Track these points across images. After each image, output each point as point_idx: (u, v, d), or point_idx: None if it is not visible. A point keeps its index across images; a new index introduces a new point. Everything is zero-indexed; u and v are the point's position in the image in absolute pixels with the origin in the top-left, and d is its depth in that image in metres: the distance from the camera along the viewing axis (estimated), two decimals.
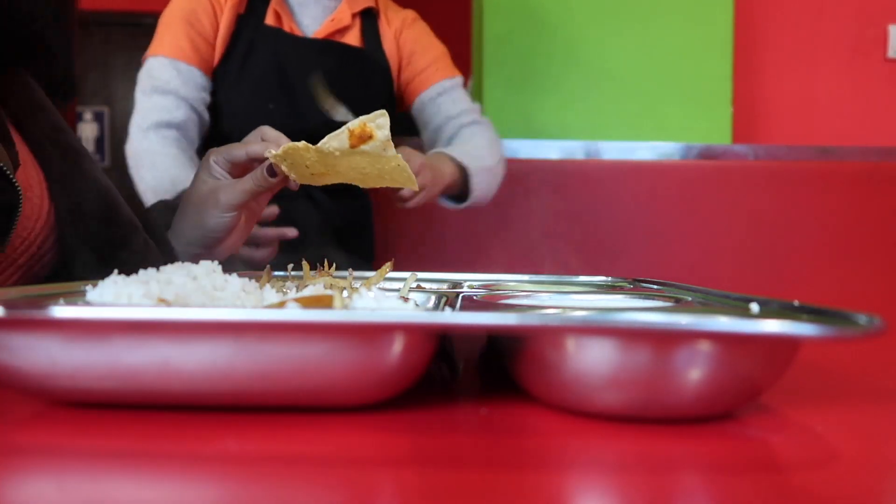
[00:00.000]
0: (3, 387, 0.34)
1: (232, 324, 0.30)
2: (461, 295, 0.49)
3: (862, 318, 0.30)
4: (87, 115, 4.60)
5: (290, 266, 0.61)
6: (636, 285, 0.62)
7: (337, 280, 0.49)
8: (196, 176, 0.68)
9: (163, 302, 0.35)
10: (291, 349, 0.31)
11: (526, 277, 0.67)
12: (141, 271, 0.39)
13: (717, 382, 0.31)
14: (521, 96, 1.82)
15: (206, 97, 1.27)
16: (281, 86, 1.27)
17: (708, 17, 1.83)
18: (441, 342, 0.36)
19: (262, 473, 0.26)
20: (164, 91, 1.23)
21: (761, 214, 1.65)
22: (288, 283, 0.49)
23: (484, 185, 1.28)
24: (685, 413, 0.32)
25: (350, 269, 0.56)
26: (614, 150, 1.69)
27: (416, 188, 0.59)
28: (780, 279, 1.63)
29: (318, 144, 0.56)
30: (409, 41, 1.36)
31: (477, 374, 0.44)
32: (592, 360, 0.31)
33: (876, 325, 0.29)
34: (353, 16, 1.33)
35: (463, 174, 1.25)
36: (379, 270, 0.50)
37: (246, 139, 0.68)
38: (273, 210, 0.94)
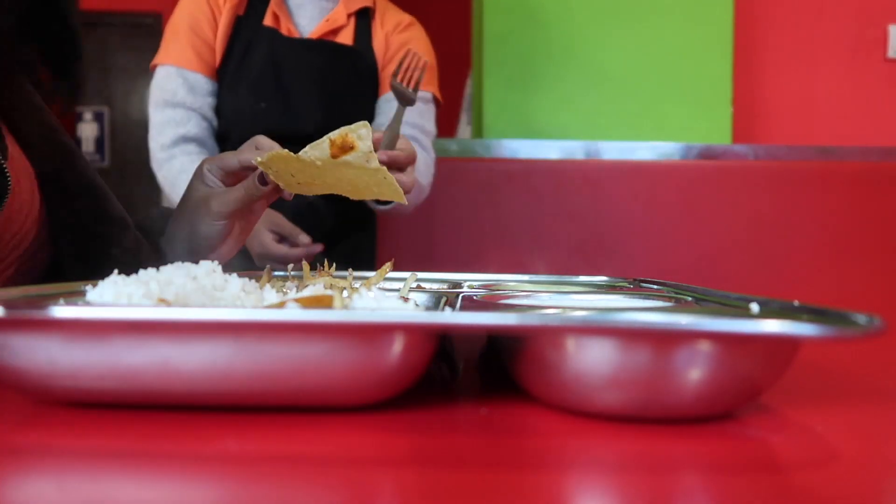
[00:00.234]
0: (3, 387, 0.34)
1: (232, 324, 0.30)
2: (461, 295, 0.49)
3: (862, 318, 0.30)
4: (87, 115, 4.60)
5: (290, 266, 0.61)
6: (636, 285, 0.62)
7: (337, 280, 0.49)
8: (190, 184, 0.69)
9: (163, 302, 0.35)
10: (291, 349, 0.31)
11: (526, 277, 0.67)
12: (141, 271, 0.39)
13: (717, 382, 0.31)
14: (521, 96, 1.82)
15: (214, 101, 1.29)
16: (275, 86, 1.28)
17: (708, 17, 1.83)
18: (441, 342, 0.36)
19: (262, 473, 0.26)
20: (174, 104, 1.27)
21: (761, 214, 1.65)
22: (288, 283, 0.49)
23: (413, 196, 1.23)
24: (685, 413, 0.32)
25: (350, 269, 0.56)
26: (614, 150, 1.69)
27: (405, 202, 0.60)
28: (780, 279, 1.63)
29: (300, 153, 0.56)
30: (396, 43, 1.36)
31: (477, 374, 0.44)
32: (592, 360, 0.31)
33: (876, 325, 0.29)
34: (349, 16, 1.34)
35: None
36: (379, 270, 0.50)
37: (240, 148, 0.69)
38: (316, 249, 0.97)
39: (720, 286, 0.46)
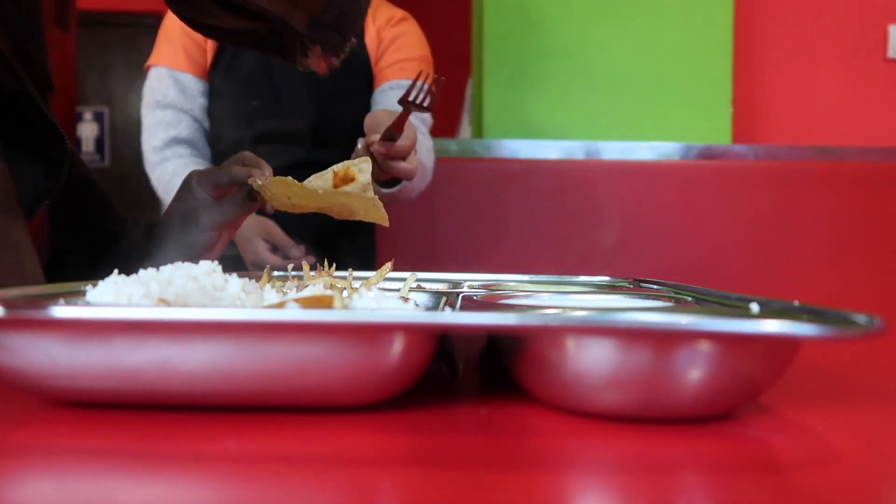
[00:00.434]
0: (3, 387, 0.34)
1: (232, 324, 0.30)
2: (461, 295, 0.49)
3: (862, 318, 0.30)
4: (87, 115, 4.60)
5: (290, 266, 0.61)
6: (636, 285, 0.62)
7: (337, 280, 0.49)
8: (177, 195, 0.70)
9: (163, 302, 0.35)
10: (291, 349, 0.31)
11: (526, 277, 0.67)
12: (141, 271, 0.39)
13: (717, 382, 0.31)
14: (521, 96, 1.82)
15: (205, 102, 1.30)
16: (267, 85, 1.29)
17: (708, 17, 1.83)
18: (441, 342, 0.36)
19: (262, 473, 0.26)
20: (164, 105, 1.28)
21: (761, 214, 1.65)
22: (288, 283, 0.49)
23: (417, 180, 1.23)
24: (685, 413, 0.32)
25: (350, 269, 0.56)
26: (614, 150, 1.69)
27: (387, 224, 0.62)
28: (780, 279, 1.63)
29: (304, 182, 0.60)
30: (388, 38, 1.36)
31: (477, 374, 0.44)
32: (592, 360, 0.31)
33: (876, 325, 0.29)
34: None
35: None
36: (379, 270, 0.50)
37: (227, 163, 0.71)
38: (309, 260, 1.02)
39: (720, 286, 0.46)
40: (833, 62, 2.09)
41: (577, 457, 0.29)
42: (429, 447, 0.29)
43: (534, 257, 1.61)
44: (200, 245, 0.68)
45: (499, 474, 0.26)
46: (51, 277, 0.62)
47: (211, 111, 1.30)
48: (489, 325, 0.32)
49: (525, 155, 1.68)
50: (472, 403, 0.36)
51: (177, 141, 1.27)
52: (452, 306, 0.43)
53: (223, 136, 1.29)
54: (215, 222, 0.69)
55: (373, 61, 1.35)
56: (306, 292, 0.38)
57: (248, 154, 0.70)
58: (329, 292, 0.36)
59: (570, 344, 0.31)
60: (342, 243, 1.30)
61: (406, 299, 0.40)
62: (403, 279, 0.50)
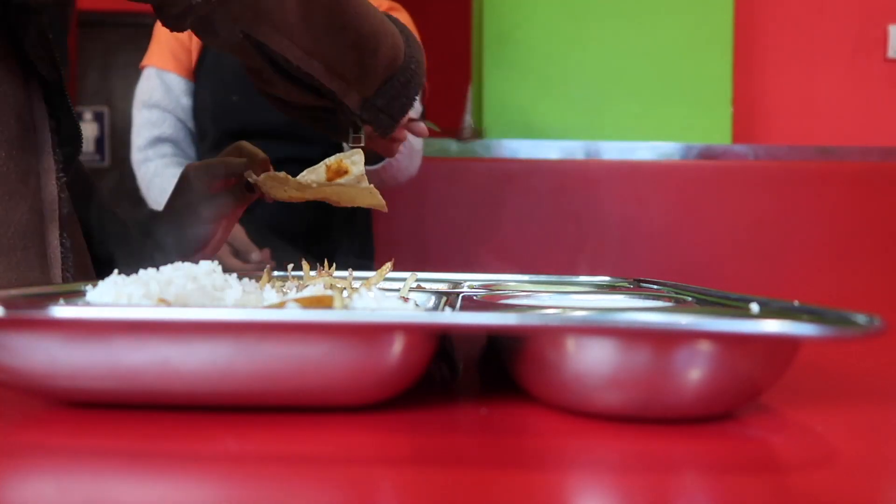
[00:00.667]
0: (3, 387, 0.34)
1: (232, 324, 0.30)
2: (461, 295, 0.49)
3: (862, 318, 0.30)
4: (87, 115, 4.60)
5: (290, 266, 0.61)
6: (636, 285, 0.62)
7: (337, 280, 0.49)
8: (175, 189, 0.71)
9: (163, 302, 0.35)
10: (291, 349, 0.31)
11: (526, 277, 0.67)
12: (141, 271, 0.39)
13: (717, 382, 0.31)
14: (521, 96, 1.82)
15: (190, 101, 1.34)
16: (245, 79, 1.30)
17: (708, 17, 1.83)
18: (441, 342, 0.36)
19: (262, 473, 0.26)
20: (150, 105, 1.32)
21: (761, 214, 1.65)
22: (288, 283, 0.49)
23: (405, 159, 1.25)
24: (685, 413, 0.32)
25: (350, 269, 0.56)
26: (614, 150, 1.69)
27: (385, 209, 0.63)
28: (780, 279, 1.63)
29: (297, 177, 0.61)
30: None
31: (477, 374, 0.44)
32: (592, 360, 0.31)
33: (876, 325, 0.29)
34: None
35: None
36: (379, 270, 0.50)
37: (224, 153, 0.71)
38: (267, 264, 1.01)
39: (720, 286, 0.46)
40: (833, 62, 2.10)
41: (577, 457, 0.29)
42: (429, 447, 0.29)
43: (534, 257, 1.61)
44: (200, 238, 0.69)
45: (499, 474, 0.26)
46: None
47: (195, 110, 1.32)
48: (489, 325, 0.32)
49: (525, 155, 1.68)
50: (472, 403, 0.36)
51: (160, 140, 1.30)
52: (452, 306, 0.43)
53: (207, 133, 1.31)
54: (214, 215, 0.69)
55: None
56: (306, 292, 0.38)
57: (244, 144, 0.71)
58: (329, 292, 0.36)
59: (570, 344, 0.31)
60: (338, 242, 1.31)
61: (406, 299, 0.40)
62: (403, 279, 0.50)
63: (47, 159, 0.58)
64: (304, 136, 1.28)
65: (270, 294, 0.40)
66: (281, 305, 0.33)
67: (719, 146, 1.72)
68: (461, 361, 0.45)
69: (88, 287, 0.37)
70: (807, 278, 1.64)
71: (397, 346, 0.31)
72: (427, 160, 1.40)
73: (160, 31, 1.33)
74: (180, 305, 0.35)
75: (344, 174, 0.60)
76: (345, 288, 0.44)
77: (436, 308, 0.43)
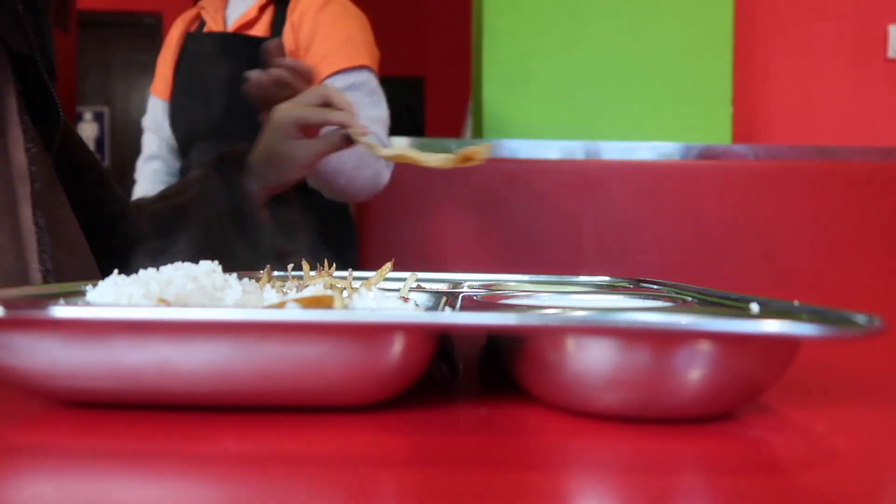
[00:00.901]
0: (3, 387, 0.34)
1: (232, 324, 0.30)
2: (461, 295, 0.49)
3: (862, 318, 0.30)
4: (87, 115, 4.60)
5: (290, 266, 0.61)
6: (636, 285, 0.62)
7: (337, 280, 0.49)
8: (267, 135, 0.74)
9: (163, 302, 0.35)
10: (291, 349, 0.31)
11: (526, 277, 0.67)
12: (141, 271, 0.39)
13: (717, 382, 0.31)
14: (521, 96, 1.82)
15: (168, 120, 1.47)
16: (198, 85, 1.40)
17: (708, 17, 1.83)
18: (441, 342, 0.36)
19: (262, 473, 0.26)
20: (146, 127, 1.49)
21: (761, 214, 1.65)
22: (288, 283, 0.49)
23: (357, 167, 1.21)
24: (685, 413, 0.32)
25: (350, 269, 0.56)
26: (614, 150, 1.69)
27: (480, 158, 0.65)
28: (780, 279, 1.63)
29: (421, 159, 0.66)
30: (307, 28, 1.31)
31: (477, 374, 0.44)
32: (592, 360, 0.31)
33: (876, 325, 0.29)
34: (261, 8, 1.36)
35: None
36: (379, 270, 0.50)
37: (308, 99, 0.75)
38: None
39: (720, 286, 0.46)
40: (833, 62, 2.10)
41: (577, 457, 0.29)
42: (429, 447, 0.29)
43: (534, 257, 1.61)
44: (293, 180, 0.71)
45: (499, 474, 0.26)
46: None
47: (171, 126, 1.45)
48: (489, 325, 0.32)
49: (525, 155, 1.68)
50: (472, 403, 0.36)
51: (150, 157, 1.47)
52: (452, 306, 0.43)
53: (180, 145, 1.44)
54: (309, 160, 0.73)
55: (294, 50, 1.31)
56: (306, 292, 0.38)
57: (331, 92, 0.74)
58: (329, 292, 0.36)
59: (570, 344, 0.31)
60: (319, 236, 1.33)
61: (406, 299, 0.40)
62: (403, 279, 0.50)
63: (13, 129, 0.57)
64: (250, 134, 1.32)
65: (270, 294, 0.40)
66: (281, 305, 0.33)
67: (719, 146, 1.72)
68: (461, 361, 0.45)
69: (88, 287, 0.37)
70: (807, 278, 1.64)
71: (397, 346, 0.31)
72: None
73: (159, 57, 1.45)
74: (180, 305, 0.35)
75: (469, 161, 0.64)
76: (345, 288, 0.44)
77: (436, 308, 0.43)
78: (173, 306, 0.34)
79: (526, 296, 0.49)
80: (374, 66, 1.33)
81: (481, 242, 1.62)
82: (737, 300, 0.42)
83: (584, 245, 1.63)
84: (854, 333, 0.29)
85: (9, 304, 0.31)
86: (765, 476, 0.27)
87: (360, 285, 0.44)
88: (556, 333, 0.31)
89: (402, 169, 1.49)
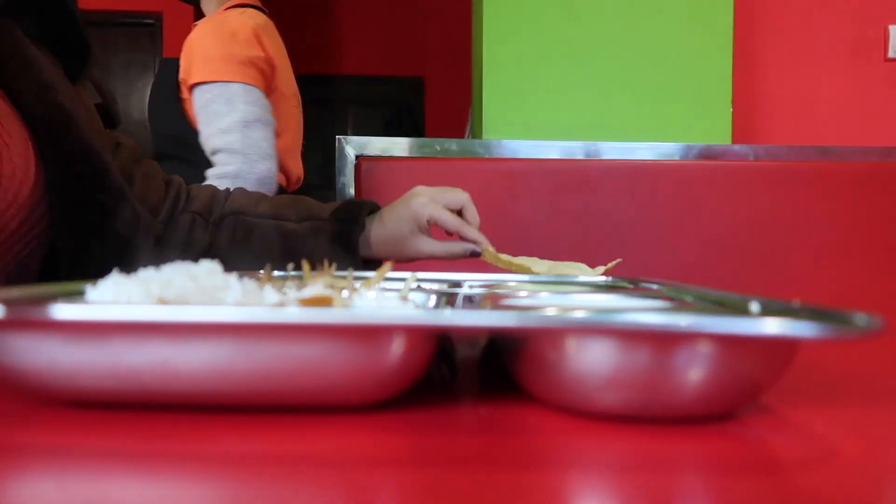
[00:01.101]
0: (3, 387, 0.34)
1: (232, 324, 0.30)
2: (461, 295, 0.49)
3: (862, 318, 0.30)
4: None
5: (290, 266, 0.60)
6: (636, 285, 0.62)
7: (337, 280, 0.49)
8: (400, 211, 0.81)
9: (163, 302, 0.35)
10: (291, 349, 0.31)
11: (526, 277, 0.67)
12: (141, 271, 0.39)
13: (717, 382, 0.31)
14: (521, 96, 1.82)
15: None
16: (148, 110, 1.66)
17: (708, 17, 1.83)
18: (441, 342, 0.36)
19: (262, 473, 0.26)
20: (266, 122, 1.57)
21: (761, 214, 1.65)
22: (288, 283, 0.49)
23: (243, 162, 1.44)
24: (685, 413, 0.32)
25: (350, 269, 0.56)
26: (614, 150, 1.69)
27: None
28: (780, 279, 1.63)
29: (535, 269, 0.77)
30: (185, 49, 1.48)
31: (477, 374, 0.44)
32: (592, 360, 0.31)
33: (876, 325, 0.29)
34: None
35: None
36: (379, 270, 0.50)
37: (448, 195, 0.84)
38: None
39: (720, 286, 0.46)
40: (833, 62, 2.10)
41: (577, 457, 0.29)
42: (429, 447, 0.29)
43: (534, 257, 1.61)
44: (391, 260, 0.73)
45: (499, 474, 0.26)
46: (55, 263, 0.61)
47: None
48: (489, 325, 0.32)
49: (525, 155, 1.68)
50: (472, 403, 0.36)
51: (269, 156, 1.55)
52: (452, 306, 0.43)
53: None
54: (425, 256, 0.80)
55: (184, 70, 1.48)
56: (306, 292, 0.38)
57: (468, 202, 0.86)
58: (329, 292, 0.36)
59: (570, 344, 0.31)
60: None
61: (406, 299, 0.40)
62: (403, 279, 0.50)
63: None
64: (189, 160, 1.46)
65: (270, 294, 0.40)
66: (281, 305, 0.33)
67: (719, 146, 1.72)
68: (461, 361, 0.45)
69: (88, 287, 0.37)
70: (807, 278, 1.64)
71: (397, 346, 0.31)
72: (427, 160, 1.40)
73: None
74: (180, 305, 0.35)
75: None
76: (345, 288, 0.44)
77: (436, 308, 0.43)
78: (173, 306, 0.34)
79: (526, 296, 0.49)
80: (237, 77, 1.43)
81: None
82: (737, 300, 0.42)
83: (584, 245, 1.63)
84: (854, 333, 0.29)
85: (9, 303, 0.31)
86: (765, 476, 0.27)
87: (360, 285, 0.44)
88: (556, 333, 0.31)
89: (403, 168, 1.49)
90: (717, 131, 1.83)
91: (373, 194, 1.39)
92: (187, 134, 1.47)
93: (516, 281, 0.65)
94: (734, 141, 1.87)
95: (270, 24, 1.56)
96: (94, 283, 0.37)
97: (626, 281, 0.65)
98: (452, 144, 1.71)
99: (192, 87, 1.42)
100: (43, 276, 0.62)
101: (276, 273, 0.63)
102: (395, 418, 0.32)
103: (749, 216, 1.65)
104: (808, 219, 1.65)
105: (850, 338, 0.29)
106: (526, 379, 0.34)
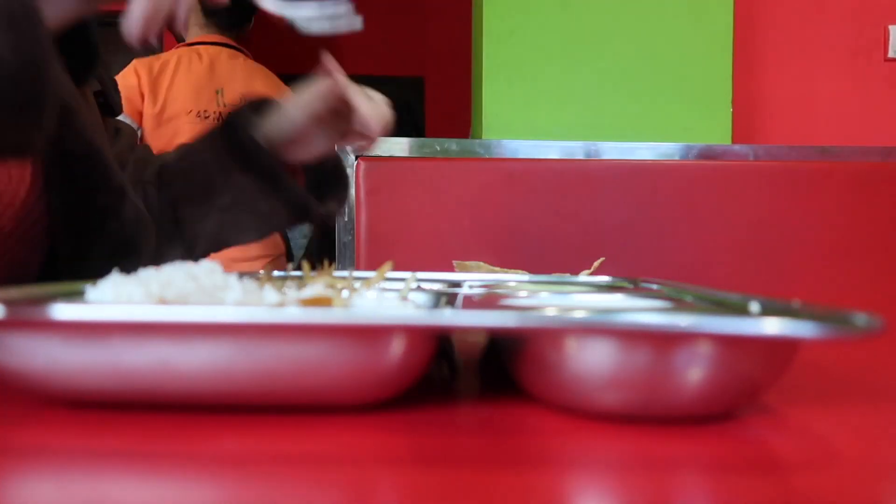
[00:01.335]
0: (3, 387, 0.34)
1: (232, 324, 0.30)
2: (461, 295, 0.49)
3: (862, 318, 0.30)
4: None
5: (290, 266, 0.61)
6: (636, 285, 0.62)
7: (337, 280, 0.49)
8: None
9: (163, 302, 0.35)
10: (291, 349, 0.31)
11: (526, 277, 0.67)
12: (141, 271, 0.39)
13: (717, 382, 0.31)
14: (521, 96, 1.82)
15: None
16: None
17: (708, 17, 1.83)
18: (441, 342, 0.36)
19: (262, 473, 0.26)
20: None
21: (761, 214, 1.65)
22: (288, 283, 0.49)
23: None
24: (685, 413, 0.32)
25: (350, 269, 0.56)
26: (614, 150, 1.69)
27: None
28: (780, 279, 1.63)
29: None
30: None
31: (477, 374, 0.44)
32: (592, 360, 0.31)
33: (876, 325, 0.29)
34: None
35: None
36: (379, 270, 0.50)
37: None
38: None
39: (720, 286, 0.46)
40: (833, 62, 2.09)
41: (577, 457, 0.29)
42: (429, 447, 0.29)
43: (534, 257, 1.61)
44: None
45: (499, 474, 0.26)
46: (54, 262, 0.60)
47: None
48: (489, 325, 0.32)
49: (525, 155, 1.68)
50: (472, 403, 0.36)
51: None
52: (452, 306, 0.43)
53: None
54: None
55: None
56: (306, 292, 0.38)
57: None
58: (329, 292, 0.36)
59: (570, 344, 0.31)
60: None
61: (406, 299, 0.40)
62: (403, 279, 0.50)
63: None
64: None
65: (270, 294, 0.40)
66: (281, 305, 0.33)
67: (719, 146, 1.72)
68: (461, 361, 0.45)
69: (88, 287, 0.37)
70: (807, 278, 1.64)
71: (397, 346, 0.31)
72: (427, 160, 1.40)
73: None
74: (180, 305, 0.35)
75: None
76: (345, 288, 0.44)
77: (436, 308, 0.43)
78: (173, 306, 0.34)
79: (526, 296, 0.49)
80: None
81: (481, 242, 1.62)
82: (737, 300, 0.42)
83: (583, 245, 1.63)
84: (854, 333, 0.29)
85: (9, 303, 0.31)
86: (765, 476, 0.27)
87: (360, 285, 0.44)
88: (556, 334, 0.31)
89: (403, 168, 1.49)
90: (717, 131, 1.83)
91: (373, 194, 1.39)
92: None
93: (516, 281, 0.65)
94: (734, 141, 1.87)
95: (195, 60, 1.84)
96: (94, 284, 0.37)
97: (626, 281, 0.65)
98: (452, 144, 1.71)
99: None
100: (42, 277, 0.62)
101: (275, 273, 0.63)
102: (395, 418, 0.32)
103: (749, 216, 1.65)
104: (808, 219, 1.65)
105: (850, 338, 0.29)
106: (526, 379, 0.34)
